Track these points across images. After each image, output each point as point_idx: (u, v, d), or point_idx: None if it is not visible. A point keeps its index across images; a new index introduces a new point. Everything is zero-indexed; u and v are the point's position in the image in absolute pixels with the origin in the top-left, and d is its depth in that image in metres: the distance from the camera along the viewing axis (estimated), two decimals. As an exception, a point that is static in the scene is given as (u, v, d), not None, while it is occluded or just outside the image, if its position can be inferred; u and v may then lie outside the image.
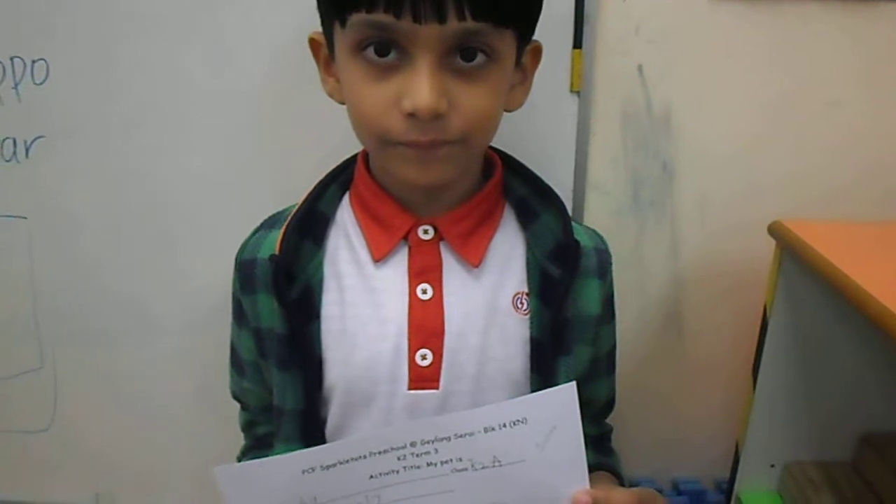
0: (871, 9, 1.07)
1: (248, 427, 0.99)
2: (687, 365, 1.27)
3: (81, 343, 1.21)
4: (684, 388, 1.28)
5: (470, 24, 0.67)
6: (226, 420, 1.03)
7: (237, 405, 1.00)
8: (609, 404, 0.98)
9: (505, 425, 0.67)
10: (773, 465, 1.18)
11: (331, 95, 0.81)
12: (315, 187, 0.86)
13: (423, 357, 0.79)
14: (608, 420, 1.00)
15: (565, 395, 0.67)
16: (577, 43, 1.07)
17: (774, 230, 1.06)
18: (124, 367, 1.23)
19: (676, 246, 1.20)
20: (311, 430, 0.83)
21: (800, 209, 1.14)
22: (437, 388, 0.79)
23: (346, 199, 0.87)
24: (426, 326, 0.79)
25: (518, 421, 0.67)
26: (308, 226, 0.82)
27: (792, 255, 1.04)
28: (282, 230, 0.81)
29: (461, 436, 0.66)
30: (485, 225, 0.84)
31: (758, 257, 1.13)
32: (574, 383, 0.67)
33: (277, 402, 0.85)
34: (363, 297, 0.81)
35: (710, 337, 1.25)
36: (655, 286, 1.22)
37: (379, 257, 0.81)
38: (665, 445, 1.31)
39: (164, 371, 1.24)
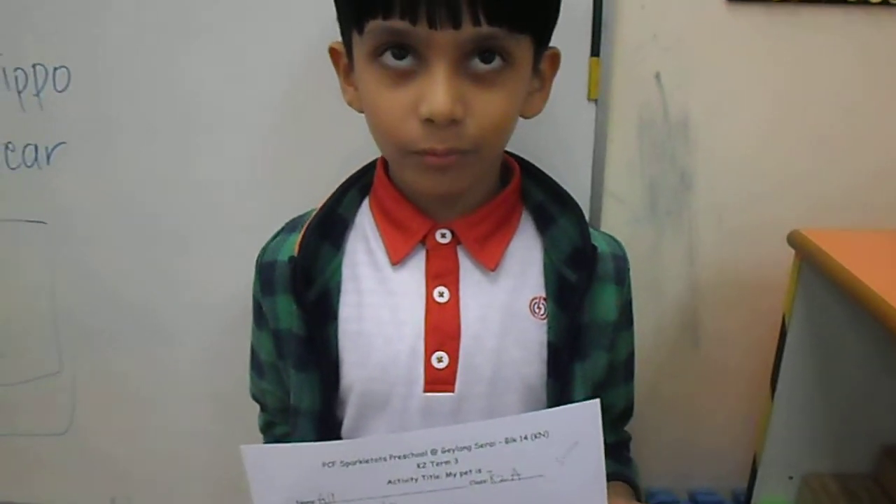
0: (893, 14, 1.06)
1: (266, 428, 1.00)
2: (704, 374, 1.26)
3: (100, 348, 1.22)
4: (701, 398, 1.27)
5: (485, 29, 0.68)
6: (242, 426, 1.03)
7: (254, 411, 1.02)
8: (627, 412, 0.97)
9: (526, 437, 0.67)
10: (791, 477, 1.17)
11: (350, 104, 0.82)
12: (335, 191, 0.87)
13: (439, 359, 0.79)
14: (626, 428, 1.00)
15: (589, 411, 0.67)
16: (595, 51, 1.07)
17: (793, 239, 1.05)
18: (142, 372, 1.24)
19: (693, 254, 1.19)
20: (327, 431, 0.83)
21: (818, 217, 1.13)
22: (452, 390, 0.80)
23: (365, 203, 0.88)
24: (442, 329, 0.80)
25: (540, 434, 0.67)
26: (327, 229, 0.83)
27: (811, 264, 1.02)
28: (301, 233, 0.82)
29: (482, 445, 0.66)
30: (502, 229, 0.84)
31: (776, 265, 1.12)
32: (598, 400, 0.68)
33: (294, 402, 0.85)
34: (380, 300, 0.82)
35: (728, 345, 1.24)
36: (672, 295, 1.22)
37: (396, 260, 0.82)
38: (682, 455, 1.30)
39: (181, 376, 1.24)
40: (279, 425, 0.98)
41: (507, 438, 0.66)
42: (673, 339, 1.24)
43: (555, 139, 1.09)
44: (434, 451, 0.66)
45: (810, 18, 1.07)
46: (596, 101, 1.10)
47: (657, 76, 1.10)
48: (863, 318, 1.04)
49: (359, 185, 0.88)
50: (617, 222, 1.16)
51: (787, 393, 1.10)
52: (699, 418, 1.28)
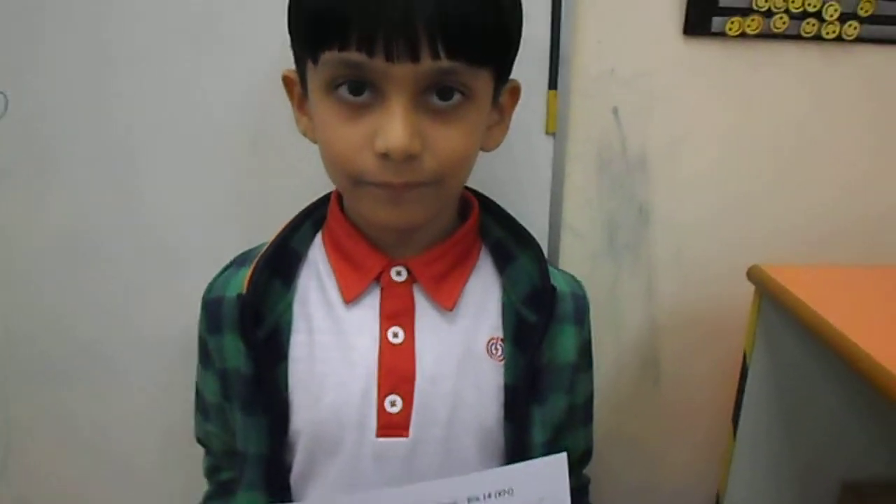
0: (848, 51, 1.07)
1: (211, 472, 0.96)
2: (665, 413, 1.24)
3: (37, 386, 1.16)
4: (662, 437, 1.26)
5: (444, 63, 0.66)
6: (189, 468, 0.99)
7: (200, 453, 0.97)
8: (586, 455, 0.95)
9: (490, 495, 0.65)
10: (755, 516, 1.16)
11: (304, 134, 0.80)
12: (287, 225, 0.83)
13: (393, 403, 0.76)
14: (585, 472, 0.97)
15: (555, 466, 0.66)
16: (553, 84, 1.06)
17: (753, 275, 1.05)
18: (82, 412, 1.18)
19: (653, 290, 1.18)
20: (275, 477, 0.80)
21: (777, 253, 1.14)
22: (406, 435, 0.77)
23: (318, 237, 0.85)
24: (396, 371, 0.77)
25: (504, 491, 0.65)
26: (278, 264, 0.80)
27: (771, 299, 1.02)
28: (251, 268, 0.78)
29: None
30: (459, 267, 0.82)
31: (736, 301, 1.12)
32: (564, 455, 0.66)
33: (241, 446, 0.81)
34: (332, 340, 0.78)
35: (689, 383, 1.23)
36: (632, 331, 1.20)
37: (350, 299, 0.79)
38: (644, 496, 1.28)
39: (124, 417, 1.19)
40: (225, 470, 0.93)
41: (469, 497, 0.64)
42: (633, 377, 1.22)
43: (512, 173, 1.08)
44: None
45: (767, 54, 1.07)
46: (554, 134, 1.09)
47: (615, 110, 1.10)
48: (824, 353, 1.04)
49: (312, 219, 0.85)
50: (575, 257, 1.15)
51: (749, 430, 1.09)
52: (661, 457, 1.27)
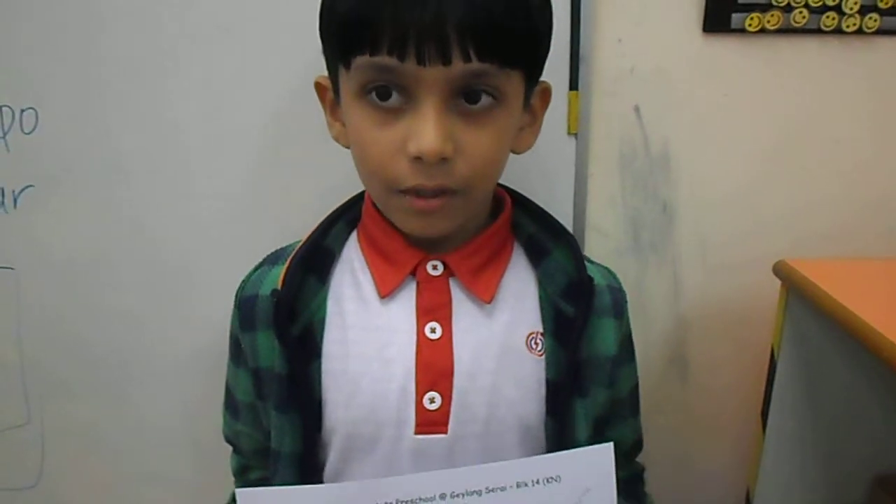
0: (869, 43, 1.07)
1: (240, 472, 0.95)
2: (693, 409, 1.24)
3: (70, 398, 1.17)
4: (691, 434, 1.26)
5: (475, 65, 0.66)
6: (219, 475, 0.99)
7: (226, 462, 0.97)
8: (637, 445, 0.95)
9: (538, 482, 0.65)
10: (785, 511, 1.16)
11: (337, 139, 0.81)
12: (321, 223, 0.84)
13: (432, 400, 0.76)
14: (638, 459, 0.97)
15: (602, 455, 0.66)
16: (573, 85, 1.07)
17: (780, 270, 1.05)
18: (114, 421, 1.19)
19: (678, 287, 1.18)
20: (309, 476, 0.80)
21: (802, 247, 1.13)
22: (445, 432, 0.76)
23: (353, 235, 0.85)
24: (435, 367, 0.76)
25: (552, 478, 0.65)
26: (313, 261, 0.80)
27: (798, 294, 1.02)
28: (285, 265, 0.79)
29: (492, 490, 0.64)
30: (495, 261, 0.82)
31: (762, 296, 1.12)
32: (611, 444, 0.66)
33: (275, 445, 0.81)
34: (367, 336, 0.78)
35: (717, 379, 1.22)
36: (658, 329, 1.20)
37: (385, 293, 0.79)
38: (673, 492, 1.28)
39: (155, 424, 1.20)
40: (255, 469, 0.93)
41: (518, 483, 0.65)
42: (661, 374, 1.22)
43: (535, 174, 1.08)
44: (443, 496, 0.64)
45: (787, 49, 1.08)
46: (576, 135, 1.09)
47: (636, 109, 1.10)
48: (852, 347, 1.04)
49: (346, 218, 0.85)
50: (600, 256, 1.13)
51: (778, 426, 1.09)
52: (690, 454, 1.27)
